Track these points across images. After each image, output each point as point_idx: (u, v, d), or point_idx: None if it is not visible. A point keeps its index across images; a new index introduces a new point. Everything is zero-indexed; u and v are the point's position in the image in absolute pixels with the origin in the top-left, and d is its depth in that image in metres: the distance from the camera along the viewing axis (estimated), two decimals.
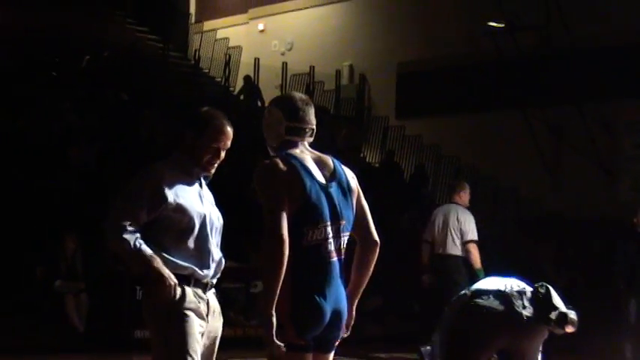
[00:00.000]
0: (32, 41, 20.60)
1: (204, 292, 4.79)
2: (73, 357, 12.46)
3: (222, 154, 4.86)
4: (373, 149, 23.94)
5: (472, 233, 11.11)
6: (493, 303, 5.94)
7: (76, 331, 13.00)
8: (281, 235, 4.38)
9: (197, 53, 26.81)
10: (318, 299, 4.48)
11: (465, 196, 11.42)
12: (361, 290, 4.76)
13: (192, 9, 29.70)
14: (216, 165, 4.88)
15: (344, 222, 4.61)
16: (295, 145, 4.65)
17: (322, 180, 4.59)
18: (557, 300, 5.94)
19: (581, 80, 19.29)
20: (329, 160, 4.70)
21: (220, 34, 27.32)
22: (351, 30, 25.89)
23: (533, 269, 11.36)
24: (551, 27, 19.69)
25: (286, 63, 25.78)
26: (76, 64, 21.17)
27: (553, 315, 5.88)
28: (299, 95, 4.81)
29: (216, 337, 4.90)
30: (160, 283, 4.57)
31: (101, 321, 12.97)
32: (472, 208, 11.77)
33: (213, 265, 4.83)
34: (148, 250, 4.58)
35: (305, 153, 4.65)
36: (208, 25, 28.13)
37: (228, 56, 25.94)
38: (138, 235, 4.59)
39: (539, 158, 20.27)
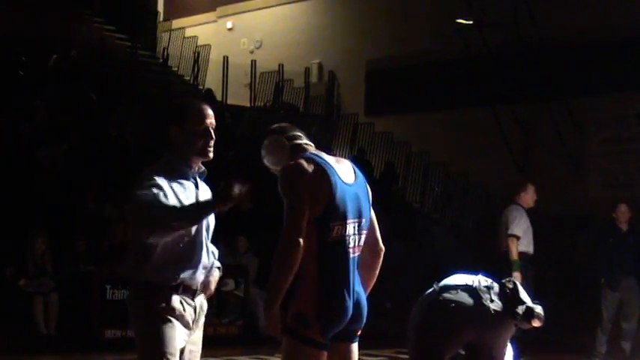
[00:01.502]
0: None
1: (193, 299, 4.77)
2: (43, 357, 12.41)
3: (213, 133, 4.76)
4: (343, 147, 23.92)
5: (515, 228, 11.36)
6: (461, 297, 5.99)
7: (41, 333, 12.94)
8: (297, 241, 4.51)
9: (165, 52, 26.73)
10: (343, 298, 4.61)
11: (525, 196, 11.66)
12: (367, 293, 4.86)
13: (161, 7, 29.60)
14: (212, 146, 4.77)
15: (364, 220, 4.74)
16: (306, 150, 4.76)
17: (346, 179, 4.71)
18: (524, 295, 6.01)
19: (550, 76, 19.38)
20: (348, 162, 4.84)
21: (189, 32, 27.24)
22: (319, 28, 25.89)
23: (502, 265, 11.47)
24: (519, 23, 19.76)
25: (255, 61, 25.74)
26: (44, 63, 21.04)
27: (520, 309, 5.95)
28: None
29: (197, 352, 4.86)
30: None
31: (71, 321, 12.94)
32: (444, 204, 11.88)
33: (204, 272, 4.79)
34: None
35: (324, 154, 4.76)
36: (177, 23, 28.04)
37: (196, 54, 25.88)
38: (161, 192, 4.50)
39: (509, 154, 20.35)
